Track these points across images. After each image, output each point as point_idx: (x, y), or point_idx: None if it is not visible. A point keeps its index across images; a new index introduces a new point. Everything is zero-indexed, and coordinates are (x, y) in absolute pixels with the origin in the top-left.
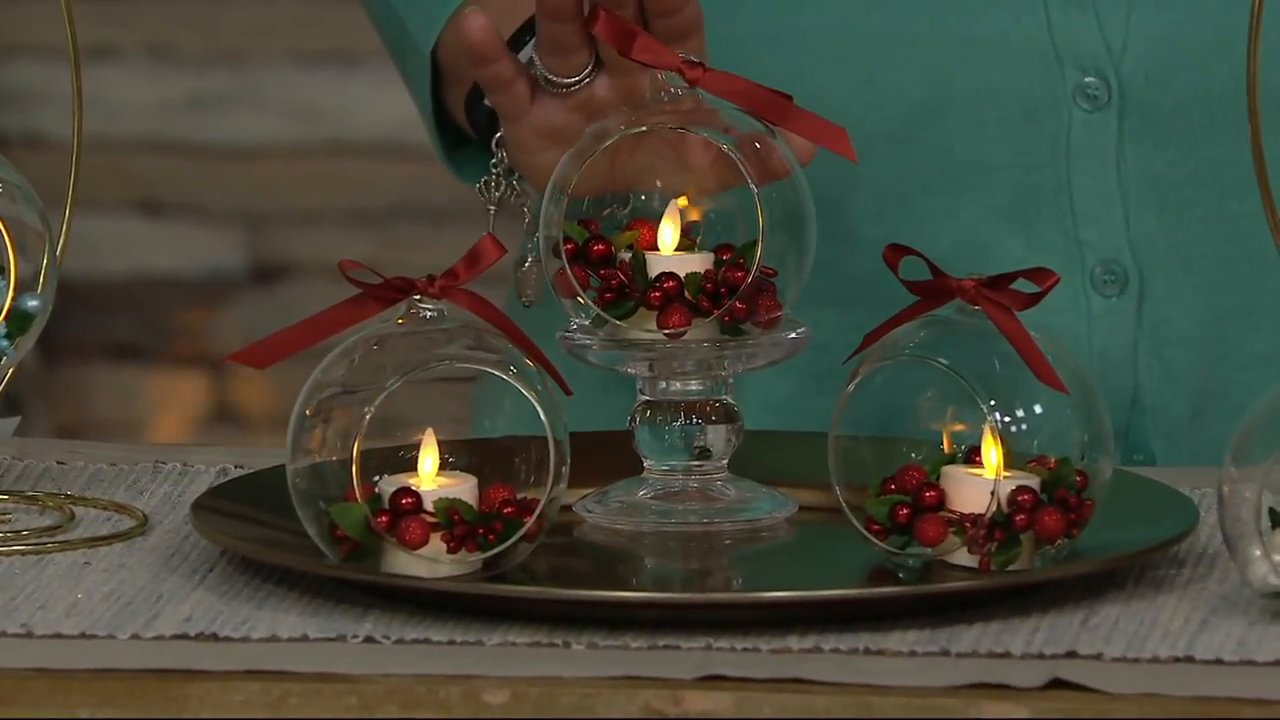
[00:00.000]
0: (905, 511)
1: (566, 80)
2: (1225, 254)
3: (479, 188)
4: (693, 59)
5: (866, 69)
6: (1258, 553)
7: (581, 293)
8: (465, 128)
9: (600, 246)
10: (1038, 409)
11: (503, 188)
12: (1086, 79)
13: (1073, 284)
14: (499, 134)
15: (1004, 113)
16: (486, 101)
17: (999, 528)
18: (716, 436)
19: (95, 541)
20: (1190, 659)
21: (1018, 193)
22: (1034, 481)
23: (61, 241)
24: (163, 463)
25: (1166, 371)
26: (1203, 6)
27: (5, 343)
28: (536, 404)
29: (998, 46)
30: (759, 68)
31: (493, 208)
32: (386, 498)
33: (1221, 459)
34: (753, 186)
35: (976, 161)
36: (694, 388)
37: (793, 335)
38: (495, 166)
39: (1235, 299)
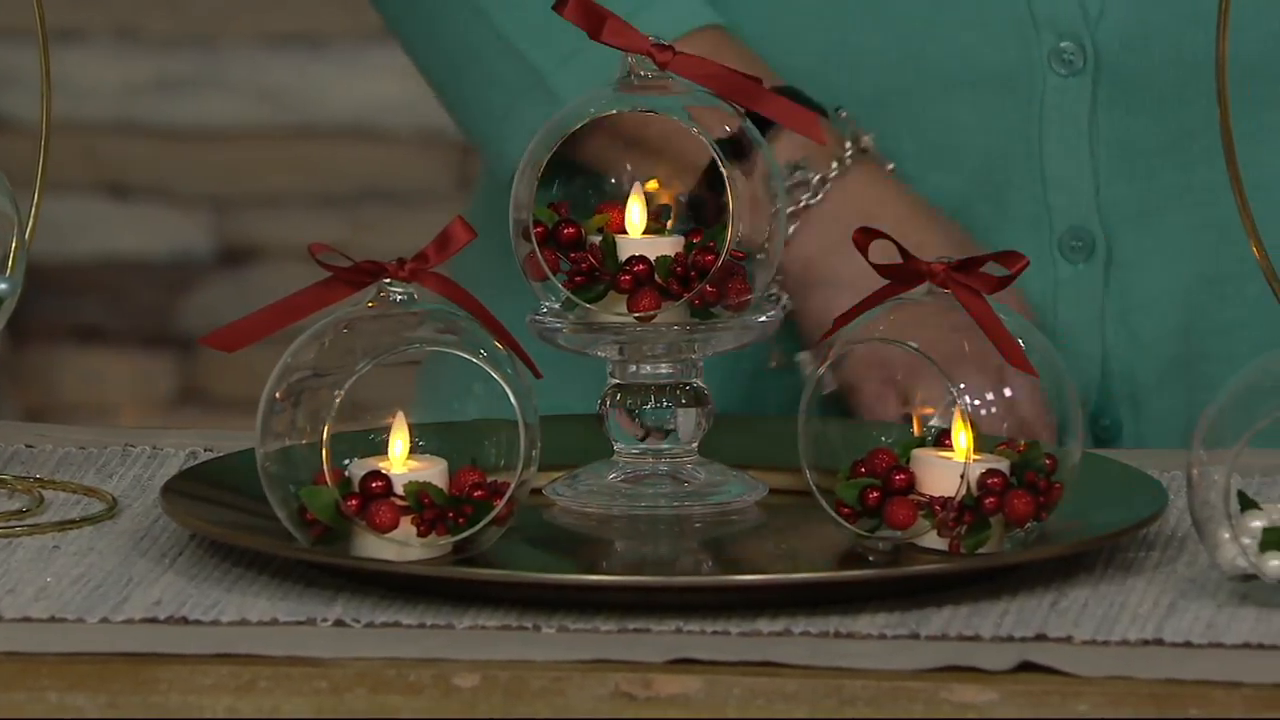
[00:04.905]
0: (875, 494)
1: None
2: (1194, 222)
3: None
4: (663, 42)
5: (840, 32)
6: (1226, 536)
7: (551, 276)
8: None
9: (570, 230)
10: (1007, 392)
11: None
12: (1062, 44)
13: (1040, 249)
14: None
15: (978, 76)
16: None
17: (968, 511)
18: (686, 420)
19: (64, 525)
20: (1159, 641)
21: (989, 157)
22: (1003, 464)
23: (30, 225)
24: (132, 446)
25: (1133, 338)
26: None
27: None
28: (506, 387)
29: (973, 10)
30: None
31: None
32: (356, 481)
33: (1189, 427)
34: (724, 170)
35: (948, 125)
36: (664, 371)
37: (763, 319)
38: None
39: (1203, 268)
